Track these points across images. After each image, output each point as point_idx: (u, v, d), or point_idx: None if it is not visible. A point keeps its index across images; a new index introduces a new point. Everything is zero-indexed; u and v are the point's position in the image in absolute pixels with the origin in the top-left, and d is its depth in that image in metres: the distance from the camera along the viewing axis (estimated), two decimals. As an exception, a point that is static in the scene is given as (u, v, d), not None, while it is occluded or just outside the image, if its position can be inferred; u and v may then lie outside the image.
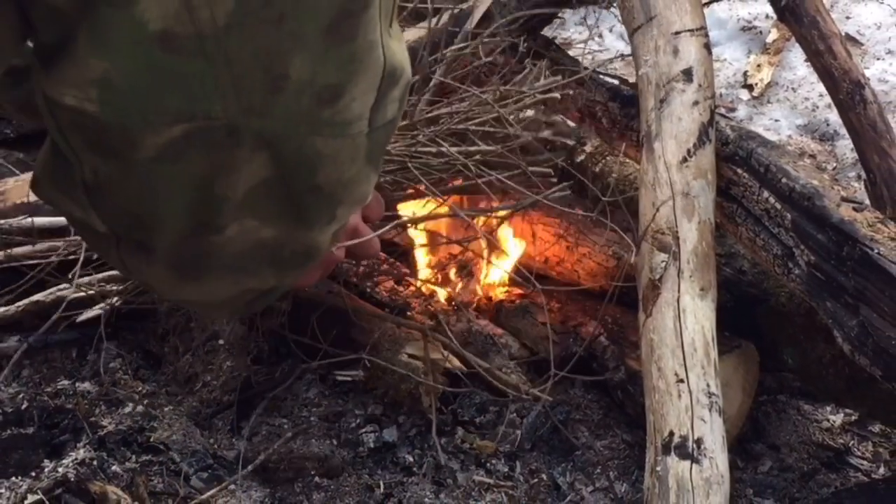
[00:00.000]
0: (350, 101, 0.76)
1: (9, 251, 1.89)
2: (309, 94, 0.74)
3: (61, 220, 1.87)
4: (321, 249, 0.88)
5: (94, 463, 1.59)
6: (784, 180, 1.57)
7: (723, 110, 2.75)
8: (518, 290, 1.93)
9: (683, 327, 1.44)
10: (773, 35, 3.10)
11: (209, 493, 1.56)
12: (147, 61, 0.71)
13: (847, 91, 1.78)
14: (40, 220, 1.96)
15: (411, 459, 1.65)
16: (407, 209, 1.77)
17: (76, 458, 1.60)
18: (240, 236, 0.82)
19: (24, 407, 1.72)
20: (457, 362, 1.69)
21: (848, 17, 3.13)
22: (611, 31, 2.86)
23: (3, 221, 1.93)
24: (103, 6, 0.69)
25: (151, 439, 1.65)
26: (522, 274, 1.76)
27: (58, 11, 0.71)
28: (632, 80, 1.76)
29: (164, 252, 0.84)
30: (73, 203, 0.85)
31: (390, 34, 0.79)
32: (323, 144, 0.78)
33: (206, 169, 0.77)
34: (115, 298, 1.75)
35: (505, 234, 1.91)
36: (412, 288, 1.85)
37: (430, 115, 1.65)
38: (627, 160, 1.88)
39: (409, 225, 1.71)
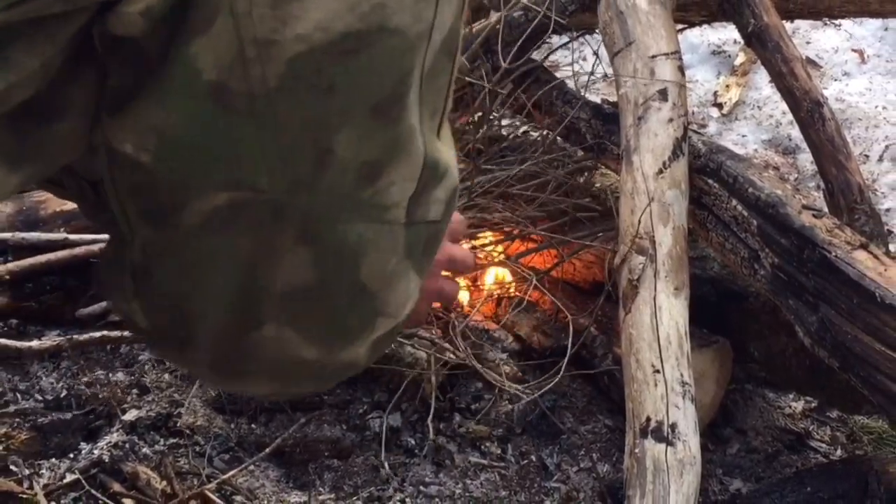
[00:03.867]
0: (389, 185, 0.68)
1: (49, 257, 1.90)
2: (353, 171, 0.67)
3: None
4: (361, 364, 0.78)
5: (126, 446, 1.59)
6: (750, 190, 1.57)
7: (695, 126, 2.75)
8: (515, 286, 1.92)
9: (659, 323, 1.44)
10: (740, 58, 3.10)
11: (230, 474, 1.56)
12: (200, 113, 0.65)
13: (807, 109, 1.77)
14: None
15: (413, 442, 1.65)
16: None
17: (110, 442, 1.60)
18: (279, 345, 0.73)
19: (62, 395, 1.72)
20: (455, 355, 1.69)
21: (808, 42, 3.13)
22: (594, 54, 2.86)
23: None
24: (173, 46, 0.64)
25: (178, 424, 1.65)
26: (519, 270, 1.77)
27: (138, 51, 0.65)
28: (613, 99, 1.76)
29: (204, 350, 0.75)
30: (121, 294, 0.77)
31: (437, 135, 0.72)
32: (364, 230, 0.69)
33: (248, 248, 0.69)
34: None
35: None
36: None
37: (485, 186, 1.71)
38: (608, 171, 1.88)
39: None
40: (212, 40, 0.63)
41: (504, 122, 1.97)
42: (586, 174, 1.88)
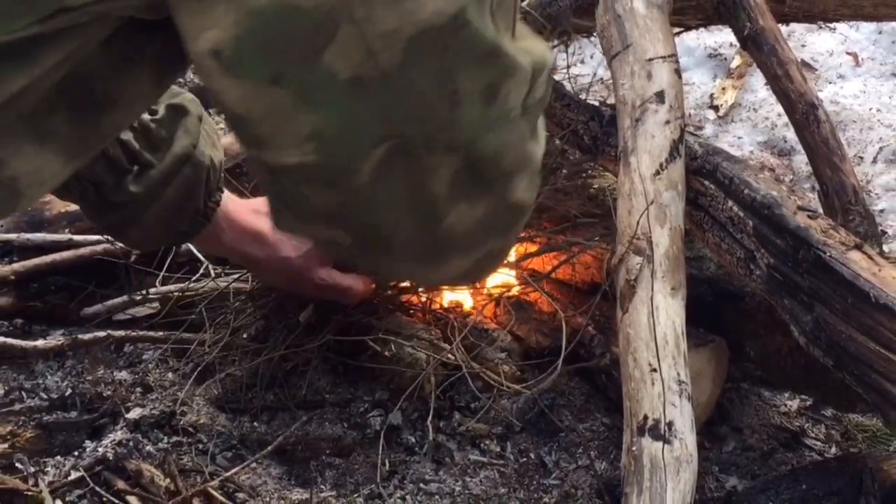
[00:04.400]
0: (506, 95, 0.82)
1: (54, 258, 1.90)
2: (478, 99, 0.79)
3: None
4: (528, 204, 0.96)
5: (130, 444, 1.60)
6: (746, 191, 1.57)
7: (692, 128, 2.75)
8: (513, 286, 1.92)
9: (656, 322, 1.44)
10: (736, 61, 3.10)
11: (233, 471, 1.57)
12: (346, 107, 0.76)
13: (802, 111, 1.78)
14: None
15: (413, 440, 1.65)
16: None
17: (114, 440, 1.60)
18: (460, 220, 0.89)
19: (67, 394, 1.72)
20: (454, 355, 1.69)
21: (803, 46, 3.13)
22: (591, 57, 2.86)
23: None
24: (296, 69, 0.74)
25: (181, 423, 1.65)
26: (520, 272, 1.77)
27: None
28: (610, 101, 1.76)
29: (402, 250, 0.91)
30: (315, 229, 0.92)
31: (514, 37, 0.84)
32: (497, 136, 0.84)
33: (412, 177, 0.82)
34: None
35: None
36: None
37: None
38: (606, 173, 1.88)
39: None
40: (339, 47, 0.72)
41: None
42: (583, 176, 1.88)
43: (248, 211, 1.57)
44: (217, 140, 1.46)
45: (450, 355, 1.66)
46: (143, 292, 1.86)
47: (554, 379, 1.62)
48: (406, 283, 1.78)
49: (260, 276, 1.69)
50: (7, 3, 0.71)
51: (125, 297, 1.88)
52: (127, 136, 1.32)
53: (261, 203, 1.60)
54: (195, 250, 1.86)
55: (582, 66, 2.78)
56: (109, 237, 1.73)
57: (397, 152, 0.80)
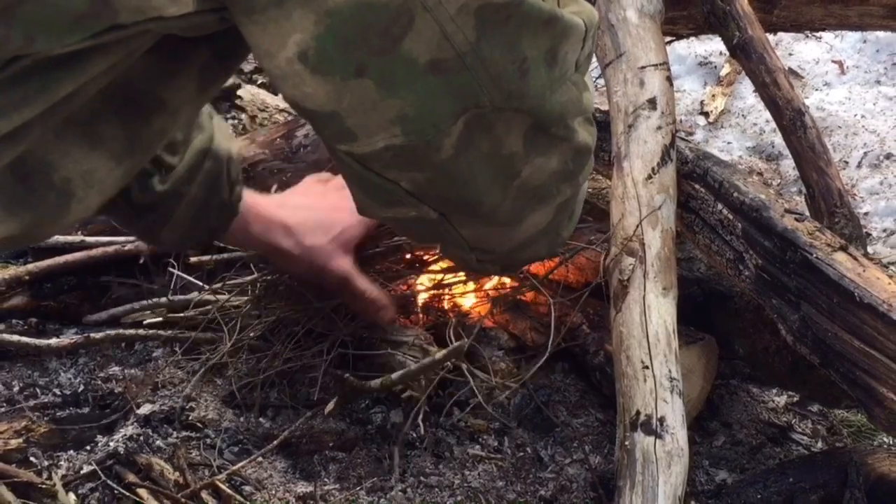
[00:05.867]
0: (565, 55, 0.86)
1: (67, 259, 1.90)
2: (542, 63, 0.83)
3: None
4: (590, 146, 1.02)
5: (141, 438, 1.59)
6: (735, 194, 1.57)
7: (683, 134, 2.75)
8: (511, 285, 1.91)
9: (648, 321, 1.44)
10: (725, 69, 3.10)
11: (239, 465, 1.56)
12: (427, 88, 0.80)
13: (790, 118, 1.78)
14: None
15: (414, 435, 1.65)
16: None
17: (125, 435, 1.60)
18: (535, 172, 0.94)
19: (80, 390, 1.72)
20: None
21: (790, 54, 3.13)
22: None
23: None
24: (377, 59, 0.77)
25: (190, 418, 1.65)
26: (530, 279, 1.77)
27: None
28: (604, 108, 1.76)
29: (489, 214, 0.96)
30: (404, 208, 0.95)
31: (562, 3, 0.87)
32: (560, 95, 0.88)
33: (490, 142, 0.86)
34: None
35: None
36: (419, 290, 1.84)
37: None
38: (599, 177, 1.88)
39: None
40: (417, 35, 0.76)
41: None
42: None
43: (271, 204, 1.57)
44: (230, 133, 1.45)
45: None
46: (151, 301, 1.86)
47: (541, 365, 1.61)
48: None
49: (287, 267, 1.66)
50: (65, 20, 0.73)
51: (130, 305, 1.88)
52: None
53: (282, 198, 1.61)
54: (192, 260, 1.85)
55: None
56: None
57: (474, 124, 0.84)
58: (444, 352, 1.56)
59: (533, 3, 0.81)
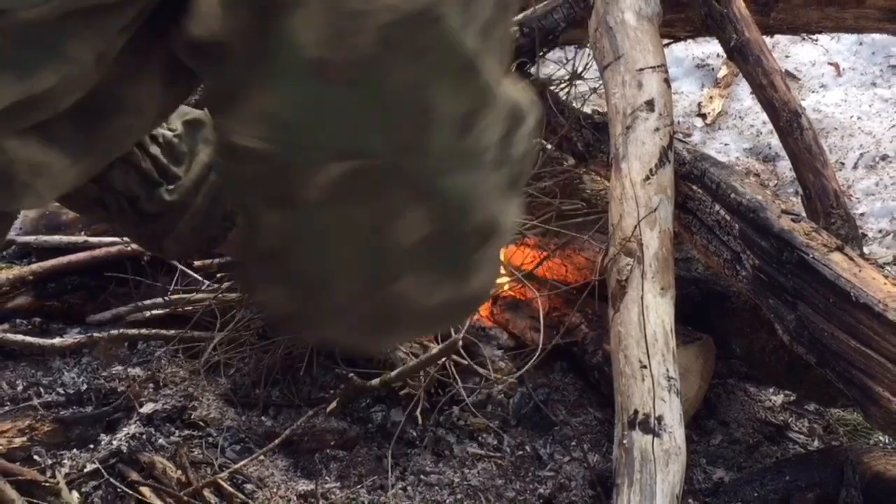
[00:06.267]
0: (483, 129, 0.70)
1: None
2: (452, 125, 0.68)
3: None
4: (488, 288, 0.81)
5: (143, 437, 1.59)
6: (733, 195, 1.57)
7: (680, 135, 2.75)
8: (510, 285, 1.91)
9: (646, 321, 1.44)
10: (723, 71, 3.10)
11: (241, 463, 1.56)
12: (306, 91, 0.66)
13: (786, 119, 1.78)
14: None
15: (414, 434, 1.65)
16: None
17: (128, 433, 1.60)
18: (421, 293, 0.73)
19: (83, 389, 1.72)
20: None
21: (787, 56, 3.13)
22: (585, 67, 2.86)
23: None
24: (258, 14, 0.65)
25: (192, 417, 1.65)
26: (515, 273, 1.77)
27: (228, 46, 0.66)
28: (603, 109, 1.76)
29: (351, 316, 0.76)
30: (263, 287, 0.79)
31: (502, 79, 0.73)
32: (465, 179, 0.71)
33: (370, 214, 0.69)
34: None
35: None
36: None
37: None
38: (598, 177, 1.88)
39: None
40: (308, 17, 0.63)
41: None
42: (576, 182, 1.88)
43: None
44: None
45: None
46: (148, 302, 1.86)
47: (540, 364, 1.61)
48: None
49: None
50: None
51: (132, 305, 1.88)
52: (155, 150, 1.32)
53: None
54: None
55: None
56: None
57: (357, 177, 0.67)
58: (439, 347, 1.57)
59: (450, 35, 0.66)
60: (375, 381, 1.57)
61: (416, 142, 0.68)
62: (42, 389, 1.73)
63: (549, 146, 1.88)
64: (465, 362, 1.63)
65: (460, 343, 1.57)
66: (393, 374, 1.57)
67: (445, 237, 0.72)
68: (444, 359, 1.61)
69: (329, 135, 0.67)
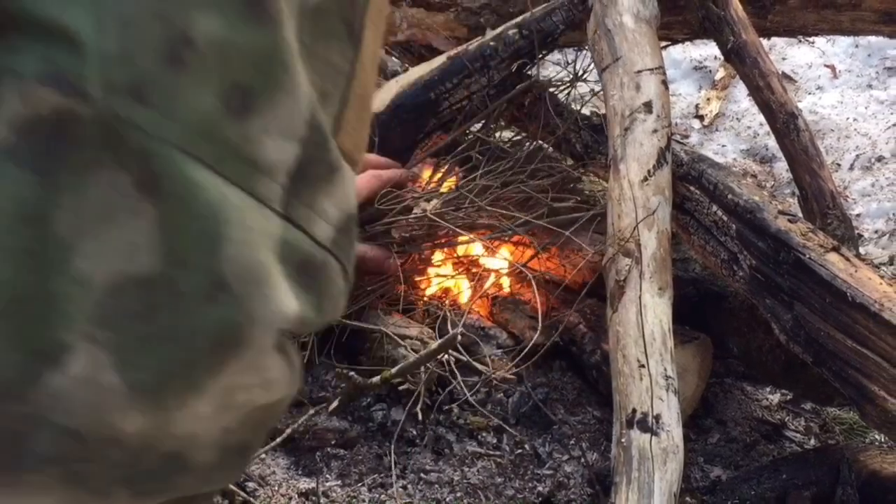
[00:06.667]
0: (262, 131, 0.42)
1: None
2: (217, 84, 0.41)
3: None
4: (204, 454, 0.44)
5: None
6: (730, 196, 1.57)
7: (678, 137, 2.75)
8: (509, 286, 1.91)
9: (644, 321, 1.44)
10: (720, 73, 3.11)
11: (243, 461, 1.56)
12: None
13: (783, 121, 1.78)
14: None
15: (414, 433, 1.65)
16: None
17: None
18: (87, 393, 0.39)
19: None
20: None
21: (784, 59, 3.13)
22: (585, 71, 2.86)
23: None
24: None
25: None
26: (516, 269, 1.78)
27: None
28: (602, 111, 1.76)
29: None
30: None
31: (334, 130, 0.48)
32: (227, 188, 0.41)
33: (48, 190, 0.38)
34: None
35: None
36: (421, 289, 1.85)
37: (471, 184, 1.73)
38: (597, 178, 1.88)
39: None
40: None
41: (503, 134, 1.97)
42: (573, 185, 1.88)
43: None
44: None
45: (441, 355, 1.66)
46: None
47: (539, 363, 1.62)
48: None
49: None
50: None
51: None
52: None
53: None
54: None
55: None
56: None
57: (52, 127, 0.38)
58: (438, 342, 1.57)
59: None
60: (376, 379, 1.57)
61: (157, 81, 0.40)
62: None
63: (548, 147, 1.88)
64: (465, 358, 1.64)
65: (459, 338, 1.57)
66: (393, 370, 1.57)
67: (169, 284, 0.42)
68: (443, 354, 1.61)
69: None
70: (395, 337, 1.67)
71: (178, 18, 0.39)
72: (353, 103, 0.49)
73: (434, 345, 1.57)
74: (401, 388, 1.64)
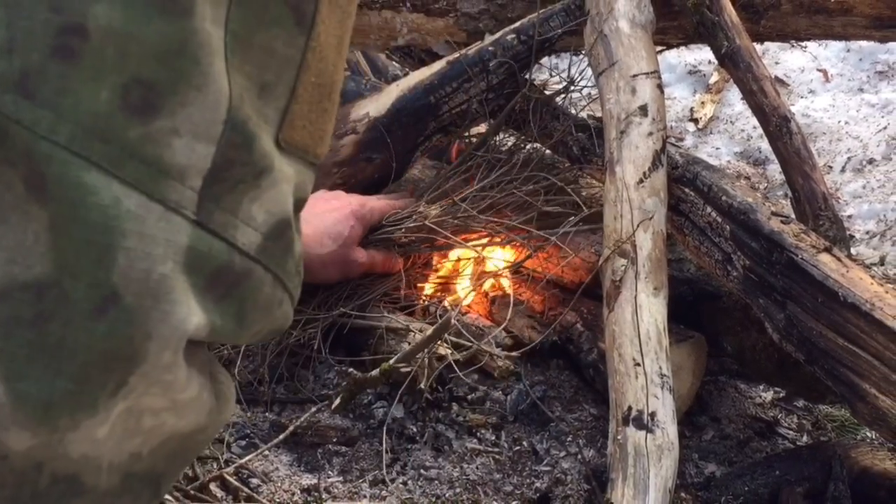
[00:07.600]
0: (170, 132, 0.38)
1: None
2: (115, 77, 0.37)
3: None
4: (101, 476, 0.41)
5: (151, 433, 1.59)
6: (724, 198, 1.57)
7: (673, 140, 2.76)
8: (508, 286, 1.91)
9: (640, 320, 1.44)
10: (714, 77, 3.11)
11: (246, 458, 1.57)
12: None
13: (776, 124, 1.78)
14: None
15: (414, 430, 1.65)
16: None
17: (136, 429, 1.60)
18: None
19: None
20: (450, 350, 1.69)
21: (777, 63, 3.14)
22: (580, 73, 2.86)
23: None
24: None
25: (198, 413, 1.65)
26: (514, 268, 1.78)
27: None
28: (598, 115, 1.76)
29: None
30: None
31: (276, 139, 0.44)
32: (124, 193, 0.37)
33: None
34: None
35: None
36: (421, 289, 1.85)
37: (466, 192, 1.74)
38: (593, 181, 1.88)
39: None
40: None
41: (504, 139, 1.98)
42: (571, 187, 1.88)
43: None
44: None
45: (443, 350, 1.66)
46: None
47: (537, 361, 1.62)
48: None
49: (314, 276, 1.68)
50: None
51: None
52: None
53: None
54: None
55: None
56: None
57: None
58: (432, 329, 1.57)
59: None
60: (375, 372, 1.58)
61: (43, 74, 0.38)
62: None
63: (545, 149, 1.88)
64: (467, 344, 1.65)
65: (453, 321, 1.59)
66: (391, 361, 1.57)
67: (58, 292, 0.40)
68: (440, 342, 1.62)
69: None
70: (398, 324, 1.69)
71: (72, 7, 0.35)
72: (305, 94, 0.45)
73: (430, 330, 1.58)
74: (405, 370, 1.65)
